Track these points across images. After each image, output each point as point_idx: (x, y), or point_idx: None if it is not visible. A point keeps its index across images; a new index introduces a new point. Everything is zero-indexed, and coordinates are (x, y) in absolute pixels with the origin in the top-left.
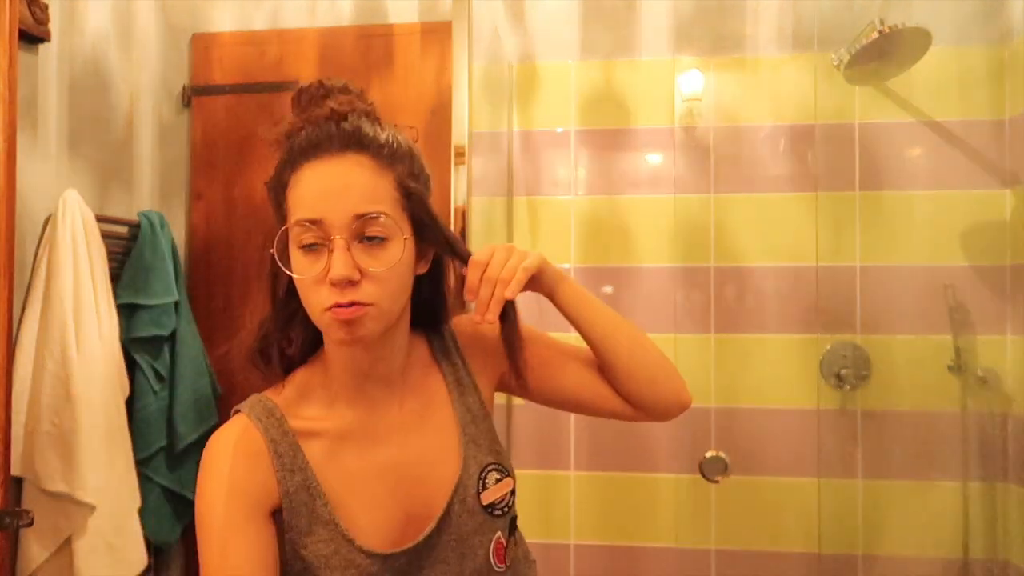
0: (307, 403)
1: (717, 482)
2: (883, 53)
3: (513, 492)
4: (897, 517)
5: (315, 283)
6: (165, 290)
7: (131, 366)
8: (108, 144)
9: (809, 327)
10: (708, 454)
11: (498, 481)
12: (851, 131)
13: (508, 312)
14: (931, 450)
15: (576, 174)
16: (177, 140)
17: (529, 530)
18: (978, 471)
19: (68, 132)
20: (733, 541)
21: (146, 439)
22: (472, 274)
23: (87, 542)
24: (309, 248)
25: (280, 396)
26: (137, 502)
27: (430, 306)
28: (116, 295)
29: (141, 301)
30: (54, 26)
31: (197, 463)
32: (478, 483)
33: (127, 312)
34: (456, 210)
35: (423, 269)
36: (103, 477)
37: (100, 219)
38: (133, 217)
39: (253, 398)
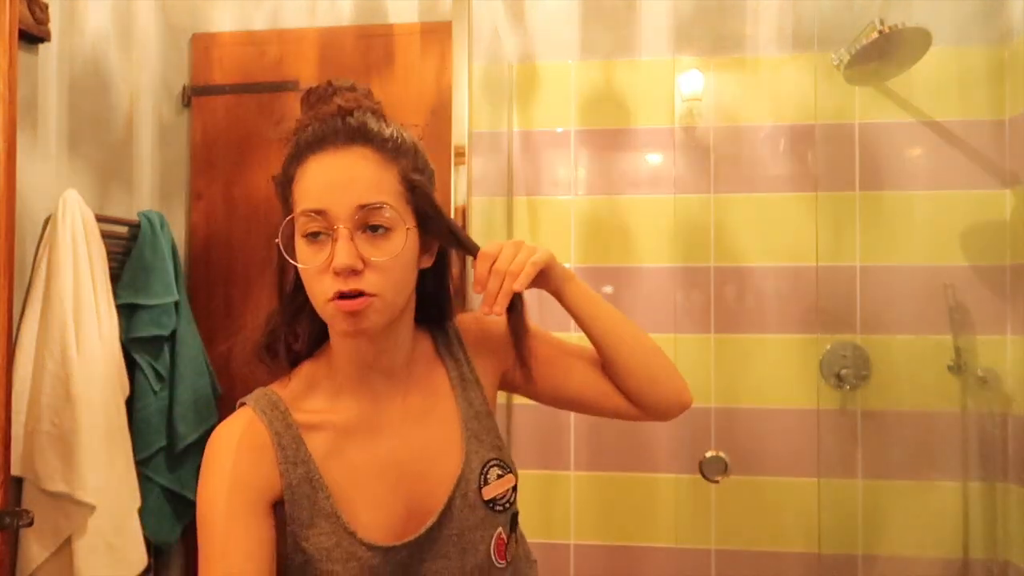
0: (311, 396)
1: (717, 482)
2: (883, 53)
3: (515, 488)
4: (897, 517)
5: (319, 272)
6: (165, 290)
7: (131, 366)
8: (108, 144)
9: (809, 327)
10: (708, 454)
11: (500, 477)
12: (851, 131)
13: (515, 304)
14: (931, 450)
15: (576, 174)
16: (177, 140)
17: (529, 530)
18: (978, 471)
19: (68, 132)
20: (733, 541)
21: (146, 439)
22: (481, 266)
23: (87, 542)
24: (314, 238)
25: (285, 389)
26: (137, 502)
27: (435, 301)
28: (116, 295)
29: (141, 301)
30: (54, 26)
31: (197, 463)
32: (480, 478)
33: (127, 312)
34: (456, 210)
35: (427, 263)
36: (103, 477)
37: (100, 219)
38: (133, 217)
39: (258, 391)
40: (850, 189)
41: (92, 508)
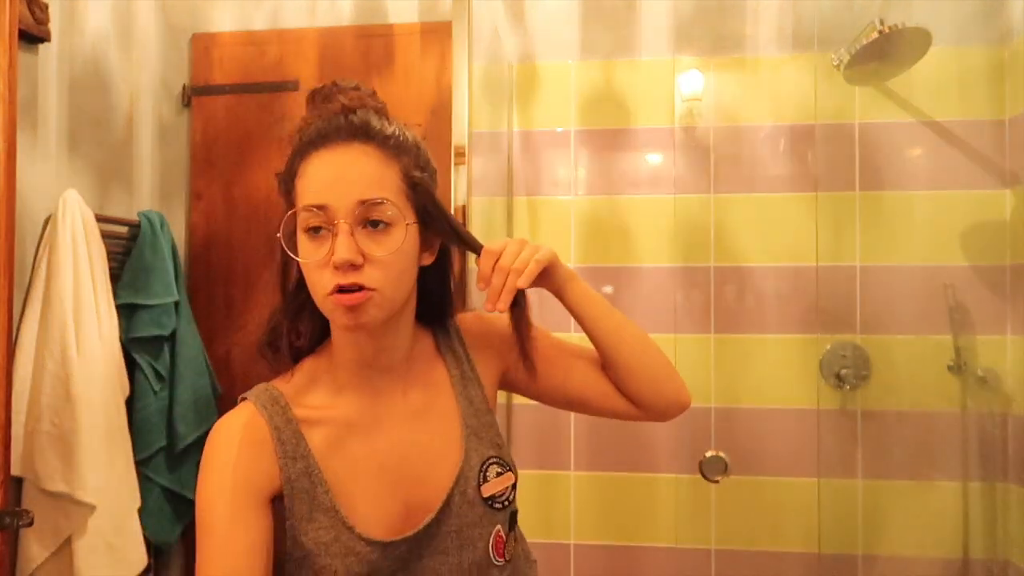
0: (313, 392)
1: (717, 482)
2: (883, 53)
3: (514, 487)
4: (897, 517)
5: (319, 267)
6: (165, 290)
7: (131, 366)
8: (108, 144)
9: (809, 327)
10: (708, 454)
11: (499, 475)
12: (851, 131)
13: (519, 301)
14: (931, 450)
15: (576, 174)
16: (177, 140)
17: (529, 530)
18: (978, 471)
19: (68, 132)
20: (733, 541)
21: (146, 439)
22: (485, 263)
23: (87, 542)
24: (315, 233)
25: (286, 385)
26: (137, 502)
27: (436, 299)
28: (116, 295)
29: (141, 301)
30: (54, 26)
31: (197, 463)
32: (479, 475)
33: (127, 312)
34: (456, 210)
35: (428, 260)
36: (103, 477)
37: (100, 219)
38: (133, 217)
39: (260, 386)
40: (850, 189)
41: (92, 508)
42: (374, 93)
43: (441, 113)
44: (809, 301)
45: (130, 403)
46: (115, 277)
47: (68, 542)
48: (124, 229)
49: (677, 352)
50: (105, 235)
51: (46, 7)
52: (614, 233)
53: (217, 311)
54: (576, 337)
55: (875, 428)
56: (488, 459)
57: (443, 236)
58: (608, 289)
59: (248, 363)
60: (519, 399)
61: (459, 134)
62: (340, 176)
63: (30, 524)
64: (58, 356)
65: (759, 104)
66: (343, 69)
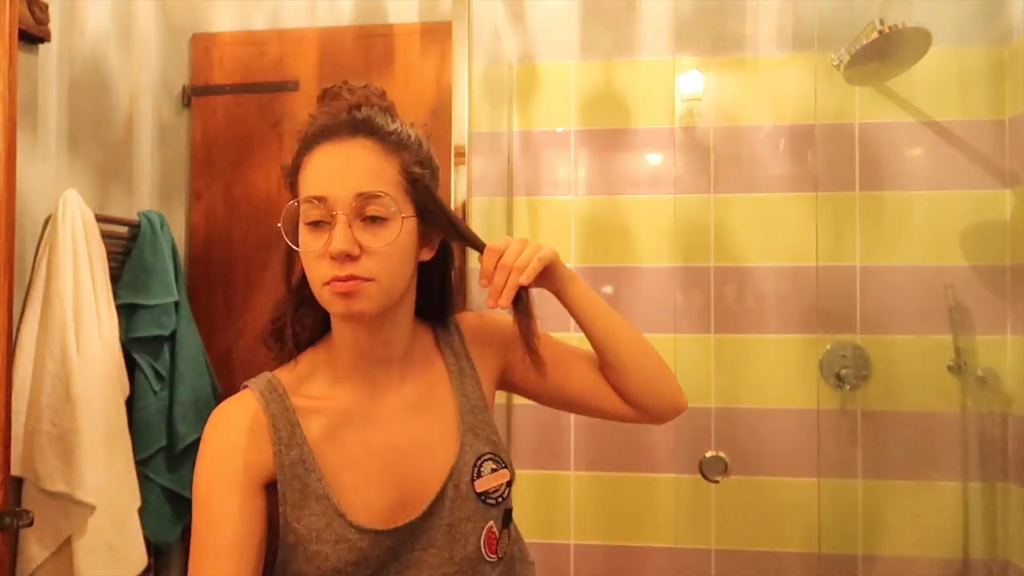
0: (311, 382)
1: (717, 482)
2: (883, 53)
3: (509, 484)
4: (897, 517)
5: (318, 257)
6: (165, 290)
7: (131, 366)
8: (108, 144)
9: (809, 327)
10: (708, 454)
11: (494, 471)
12: (851, 131)
13: (521, 298)
14: (931, 450)
15: (576, 174)
16: (177, 140)
17: (529, 530)
18: (978, 471)
19: (68, 132)
20: (733, 541)
21: (146, 439)
22: (488, 261)
23: (87, 542)
24: (315, 225)
25: (287, 375)
26: (137, 502)
27: (436, 295)
28: (116, 295)
29: (141, 301)
30: (54, 26)
31: None
32: (473, 470)
33: (127, 312)
34: (456, 210)
35: (428, 256)
36: (103, 477)
37: (100, 219)
38: (133, 217)
39: (262, 375)
40: (850, 189)
41: (92, 508)
42: (383, 93)
43: (441, 113)
44: (809, 301)
45: (130, 403)
46: (115, 277)
47: (68, 542)
48: (124, 229)
49: (677, 352)
50: (105, 235)
51: (46, 7)
52: (614, 233)
53: (217, 311)
54: (576, 338)
55: (875, 428)
56: (483, 455)
57: (443, 232)
58: (608, 289)
59: (248, 362)
60: (519, 399)
61: (459, 134)
62: (340, 169)
63: (30, 524)
64: (58, 356)
65: (759, 104)
66: (343, 69)
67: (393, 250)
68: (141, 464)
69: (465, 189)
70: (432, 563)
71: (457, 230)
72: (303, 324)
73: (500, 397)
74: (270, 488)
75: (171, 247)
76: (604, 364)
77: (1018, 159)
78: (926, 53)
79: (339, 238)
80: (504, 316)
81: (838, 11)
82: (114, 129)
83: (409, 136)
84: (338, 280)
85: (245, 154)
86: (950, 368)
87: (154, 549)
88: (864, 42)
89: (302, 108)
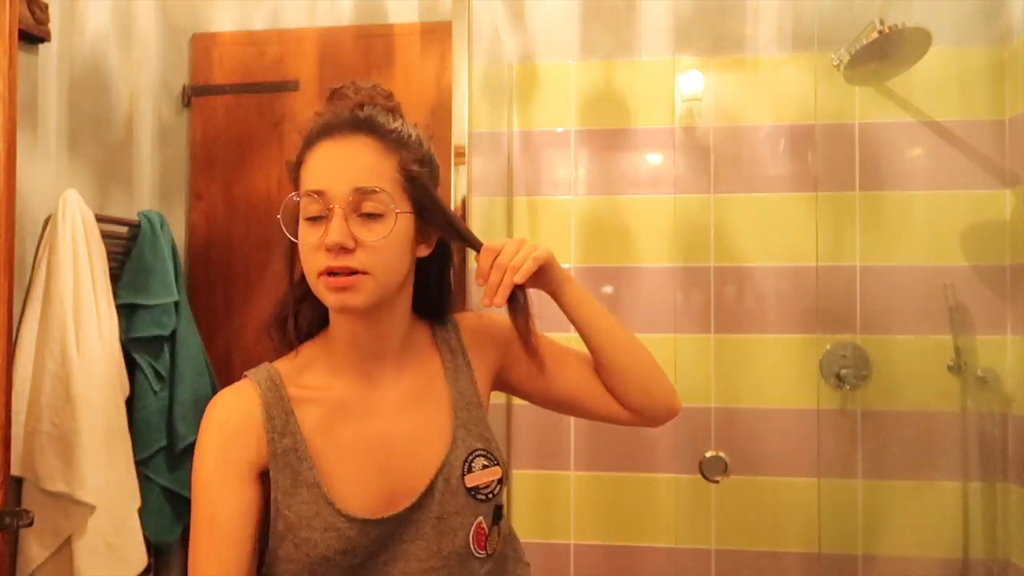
0: (309, 373)
1: (717, 482)
2: (883, 53)
3: (500, 481)
4: (897, 517)
5: (314, 249)
6: (165, 290)
7: (131, 366)
8: (108, 144)
9: (809, 327)
10: (708, 454)
11: (485, 467)
12: (851, 131)
13: (516, 297)
14: (931, 450)
15: (576, 174)
16: (177, 140)
17: (529, 530)
18: (978, 471)
19: (68, 132)
20: (733, 541)
21: (146, 439)
22: (484, 260)
23: (87, 542)
24: (314, 220)
25: (286, 365)
26: (137, 502)
27: (434, 292)
28: (116, 295)
29: (141, 301)
30: (54, 26)
31: None
32: (464, 465)
33: (127, 312)
34: (456, 209)
35: (425, 252)
36: (103, 477)
37: (100, 219)
38: (133, 217)
39: (261, 366)
40: (850, 189)
41: (92, 508)
42: (390, 94)
43: (441, 113)
44: (809, 301)
45: (130, 403)
46: (115, 277)
47: (68, 542)
48: (124, 229)
49: (677, 352)
50: (105, 235)
51: (46, 7)
52: (614, 233)
53: (217, 311)
54: (573, 339)
55: (875, 428)
56: (475, 451)
57: (440, 230)
58: (608, 289)
59: (249, 362)
60: (519, 400)
61: (459, 134)
62: (339, 164)
63: (30, 524)
64: (58, 356)
65: (759, 104)
66: (343, 69)
67: (388, 244)
68: (141, 464)
69: (465, 189)
70: (420, 555)
71: (454, 229)
72: (304, 316)
73: (500, 397)
74: (265, 476)
75: (171, 247)
76: (599, 365)
77: (1018, 159)
78: (926, 53)
79: (334, 231)
80: (503, 316)
81: (838, 11)
82: (114, 129)
83: (410, 135)
84: (332, 271)
85: (245, 154)
86: (950, 368)
87: (154, 549)
88: (864, 42)
89: (302, 108)
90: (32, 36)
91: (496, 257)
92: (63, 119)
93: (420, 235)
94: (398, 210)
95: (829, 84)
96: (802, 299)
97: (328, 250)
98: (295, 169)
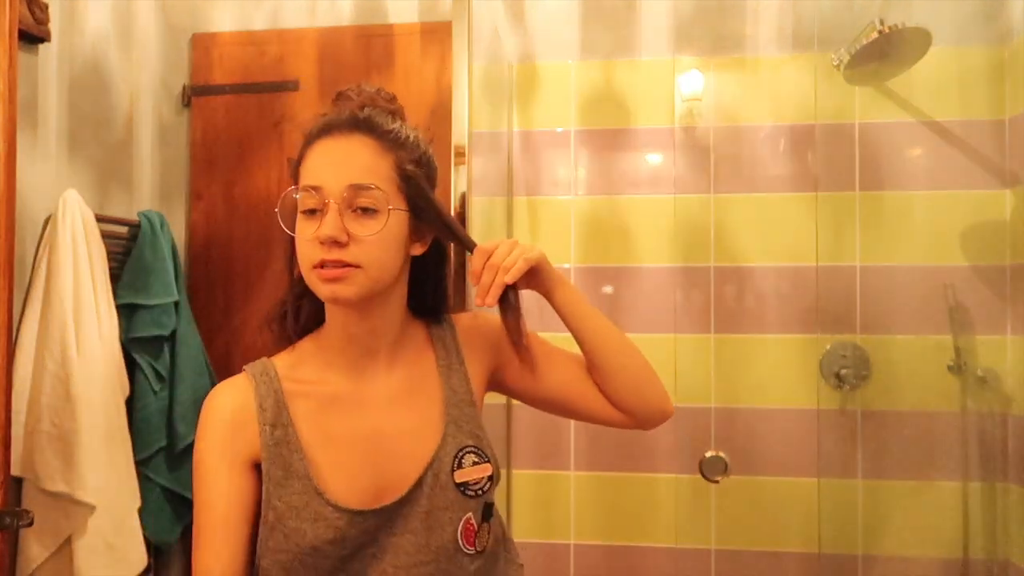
0: (305, 366)
1: (717, 482)
2: (883, 53)
3: (491, 479)
4: (897, 517)
5: (309, 242)
6: (165, 290)
7: (131, 366)
8: (108, 144)
9: (809, 327)
10: (708, 454)
11: (475, 464)
12: (851, 131)
13: (508, 297)
14: (931, 450)
15: (576, 174)
16: (177, 140)
17: (529, 530)
18: (978, 471)
19: (68, 132)
20: (733, 541)
21: (146, 439)
22: (477, 260)
23: (87, 542)
24: (310, 213)
25: (282, 359)
26: (137, 502)
27: (430, 290)
28: (116, 295)
29: (141, 301)
30: (54, 26)
31: None
32: (454, 461)
33: (127, 312)
34: (456, 209)
35: (419, 251)
36: (103, 477)
37: (100, 219)
38: (133, 217)
39: (259, 360)
40: (850, 189)
41: (92, 508)
42: (393, 98)
43: (441, 113)
44: (809, 301)
45: (130, 403)
46: (115, 277)
47: (68, 542)
48: (124, 229)
49: (677, 352)
50: (105, 235)
51: (46, 7)
52: (614, 233)
53: (217, 311)
54: (569, 342)
55: (875, 428)
56: (465, 447)
57: (434, 229)
58: (608, 289)
59: (248, 361)
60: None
61: (459, 134)
62: (336, 162)
63: (30, 524)
64: (58, 356)
65: (759, 104)
66: (343, 69)
67: (380, 240)
68: (141, 464)
69: (465, 189)
70: (409, 549)
71: (448, 228)
72: (302, 312)
73: (500, 398)
74: (260, 467)
75: (171, 247)
76: (591, 366)
77: (1018, 159)
78: (926, 53)
79: (328, 224)
80: (498, 317)
81: (838, 11)
82: (114, 129)
83: (407, 136)
84: (326, 264)
85: (245, 154)
86: (950, 368)
87: (154, 549)
88: (864, 42)
89: (302, 108)
90: (32, 36)
91: (489, 258)
92: (63, 119)
93: (414, 233)
94: (391, 207)
95: (829, 84)
96: (802, 299)
97: (322, 243)
98: (295, 166)
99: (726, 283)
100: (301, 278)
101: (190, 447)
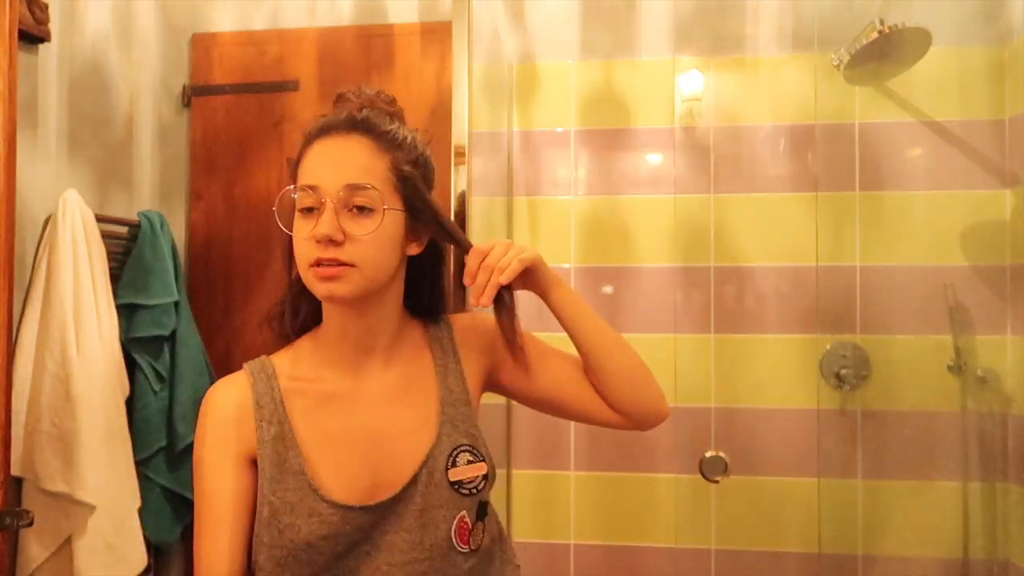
0: (302, 364)
1: (717, 482)
2: (883, 53)
3: (486, 477)
4: (897, 517)
5: (306, 241)
6: (165, 290)
7: (131, 366)
8: (108, 144)
9: (809, 327)
10: (708, 454)
11: (470, 463)
12: (851, 131)
13: (503, 297)
14: (931, 450)
15: (576, 174)
16: (177, 140)
17: (529, 530)
18: (978, 471)
19: (68, 132)
20: (733, 541)
21: (146, 439)
22: (472, 261)
23: (87, 542)
24: (308, 213)
25: (282, 356)
26: (137, 502)
27: (427, 290)
28: (116, 295)
29: (141, 301)
30: (54, 26)
31: None
32: (448, 460)
33: (127, 312)
34: (455, 209)
35: (416, 251)
36: (103, 477)
37: (100, 219)
38: (133, 217)
39: (259, 357)
40: (850, 189)
41: (92, 508)
42: (393, 100)
43: (441, 113)
44: (809, 301)
45: (130, 403)
46: (115, 277)
47: (68, 542)
48: (124, 229)
49: (677, 352)
50: (105, 235)
51: (46, 7)
52: (614, 233)
53: (217, 311)
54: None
55: (875, 428)
56: (460, 446)
57: (430, 230)
58: (608, 289)
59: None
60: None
61: (459, 134)
62: (334, 161)
63: (30, 524)
64: (58, 356)
65: (759, 104)
66: (343, 69)
67: (375, 239)
68: (141, 464)
69: (465, 189)
70: (402, 547)
71: (444, 229)
72: (301, 310)
73: (501, 397)
74: (256, 463)
75: (171, 247)
76: (587, 367)
77: (1018, 159)
78: (926, 53)
79: (324, 223)
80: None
81: (838, 11)
82: (114, 129)
83: (405, 137)
84: (321, 262)
85: (245, 154)
86: (950, 368)
87: (154, 549)
88: (864, 42)
89: (302, 108)
90: (32, 36)
91: (484, 258)
92: (63, 119)
93: (411, 234)
94: (387, 207)
95: (829, 84)
96: (802, 299)
97: (318, 242)
98: (294, 166)
99: (726, 283)
100: (299, 277)
101: (190, 447)
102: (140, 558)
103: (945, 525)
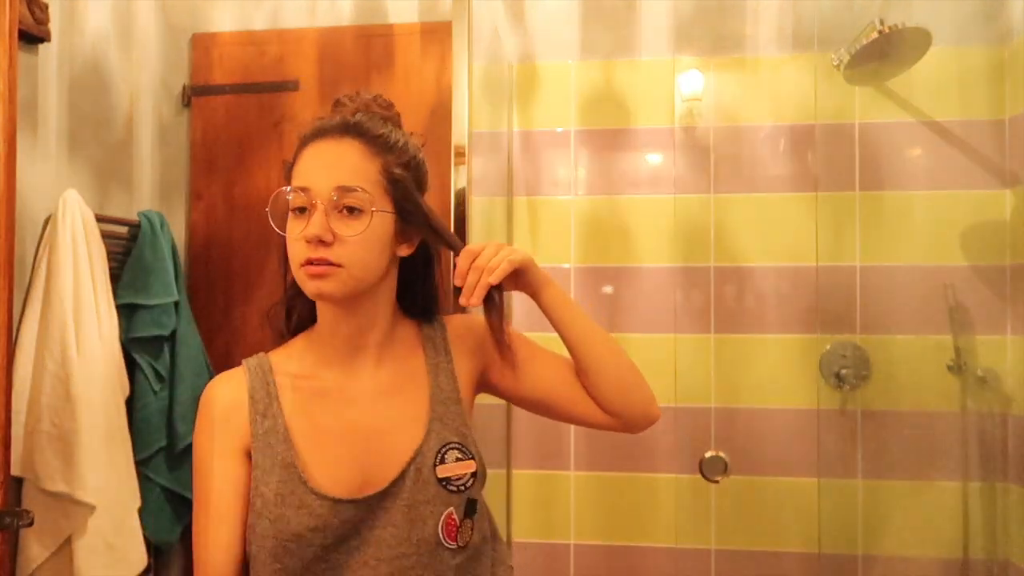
0: (297, 361)
1: (717, 482)
2: (883, 53)
3: (474, 475)
4: (897, 517)
5: (297, 241)
6: (165, 290)
7: (131, 366)
8: (108, 144)
9: (809, 327)
10: (708, 454)
11: (459, 460)
12: (851, 131)
13: (492, 297)
14: (931, 450)
15: (576, 174)
16: (177, 140)
17: (529, 530)
18: (978, 471)
19: (68, 132)
20: (733, 541)
21: (146, 439)
22: (463, 262)
23: (87, 542)
24: (300, 213)
25: (278, 353)
26: (137, 502)
27: (419, 291)
28: (116, 295)
29: (141, 301)
30: (54, 26)
31: None
32: (437, 456)
33: (127, 312)
34: (455, 209)
35: (406, 252)
36: (103, 477)
37: (100, 219)
38: (133, 217)
39: (257, 354)
40: (850, 189)
41: (92, 508)
42: (390, 104)
43: (441, 113)
44: (809, 301)
45: (130, 403)
46: (115, 277)
47: (68, 542)
48: (124, 229)
49: (677, 352)
50: (105, 235)
51: (46, 7)
52: (614, 233)
53: (217, 311)
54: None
55: (875, 428)
56: (449, 443)
57: (420, 231)
58: (608, 289)
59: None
60: None
61: (459, 134)
62: (326, 164)
63: (30, 524)
64: (58, 356)
65: (759, 104)
66: (343, 69)
67: (364, 240)
68: (141, 464)
69: (465, 189)
70: (390, 542)
71: (434, 230)
72: (296, 309)
73: (500, 400)
74: (251, 456)
75: (171, 247)
76: (578, 368)
77: (1018, 159)
78: (926, 53)
79: (314, 224)
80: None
81: (838, 11)
82: (114, 129)
83: (397, 141)
84: (311, 261)
85: (245, 154)
86: (950, 368)
87: (154, 549)
88: (864, 42)
89: (302, 108)
90: (32, 36)
91: (475, 259)
92: (63, 119)
93: (401, 235)
94: (375, 208)
95: (829, 84)
96: (802, 299)
97: (308, 242)
98: (288, 168)
99: (726, 283)
100: (295, 279)
101: (190, 447)
102: (140, 558)
103: (945, 525)
